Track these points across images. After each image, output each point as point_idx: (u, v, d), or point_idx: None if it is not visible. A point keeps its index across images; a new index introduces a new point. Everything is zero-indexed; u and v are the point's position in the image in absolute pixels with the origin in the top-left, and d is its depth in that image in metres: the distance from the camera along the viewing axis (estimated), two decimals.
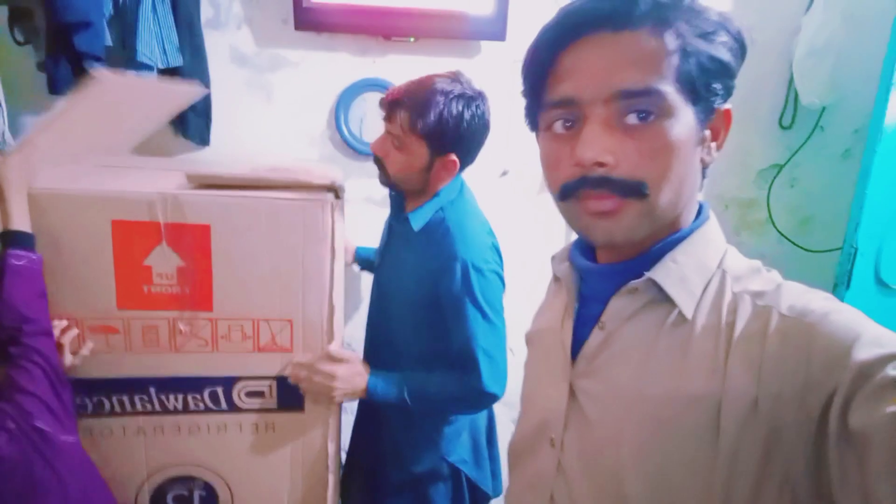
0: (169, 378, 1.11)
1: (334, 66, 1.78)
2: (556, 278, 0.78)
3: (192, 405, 1.13)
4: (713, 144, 0.60)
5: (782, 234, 2.08)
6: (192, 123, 1.65)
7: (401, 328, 1.27)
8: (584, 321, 0.67)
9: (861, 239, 1.74)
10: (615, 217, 0.58)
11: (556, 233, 1.98)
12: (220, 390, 1.13)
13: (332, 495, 1.21)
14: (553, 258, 0.77)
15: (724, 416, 0.54)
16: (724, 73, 0.57)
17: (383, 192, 1.88)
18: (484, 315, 1.16)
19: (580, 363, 0.66)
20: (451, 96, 1.14)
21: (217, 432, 1.15)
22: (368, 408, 1.38)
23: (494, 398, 1.19)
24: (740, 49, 0.58)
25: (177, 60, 1.53)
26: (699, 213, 0.64)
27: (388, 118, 1.19)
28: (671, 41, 0.55)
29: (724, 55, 0.56)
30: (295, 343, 1.12)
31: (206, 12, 1.64)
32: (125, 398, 1.11)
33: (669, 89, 0.55)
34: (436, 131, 1.14)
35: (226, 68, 1.72)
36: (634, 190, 0.56)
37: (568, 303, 0.71)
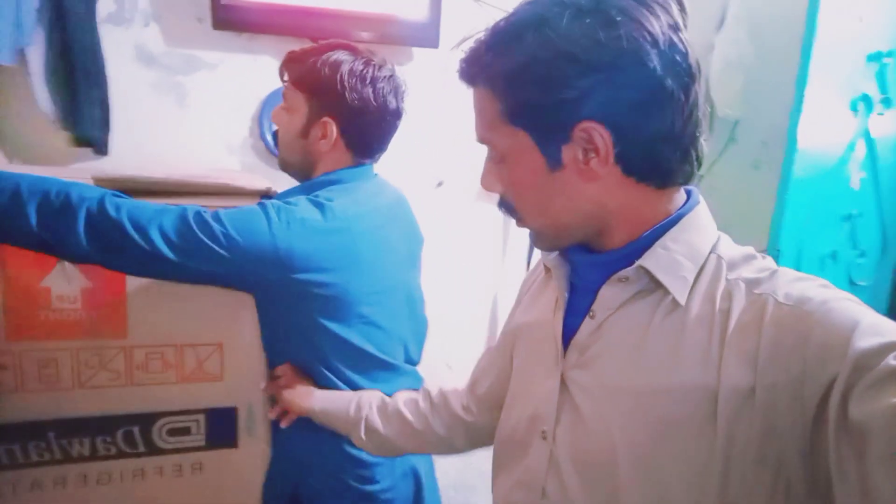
0: (72, 419, 0.94)
1: (257, 69, 1.64)
2: (546, 269, 0.75)
3: (101, 450, 0.96)
4: (594, 160, 0.57)
5: None
6: (89, 130, 1.46)
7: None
8: (576, 312, 0.66)
9: (783, 242, 1.82)
10: (531, 235, 0.66)
11: (493, 242, 1.93)
12: (136, 430, 0.97)
13: None
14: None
15: (720, 406, 0.53)
16: (539, 107, 0.57)
17: None
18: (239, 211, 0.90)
19: (571, 354, 0.65)
20: (340, 50, 1.03)
21: (132, 480, 0.98)
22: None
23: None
24: (548, 78, 0.56)
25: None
26: (688, 198, 0.63)
27: (281, 76, 1.08)
28: (492, 94, 0.59)
29: (526, 94, 0.57)
30: (226, 370, 0.98)
31: (106, 7, 1.47)
32: (16, 447, 0.92)
33: (500, 137, 0.61)
34: (314, 81, 1.01)
35: (129, 68, 1.54)
36: (513, 212, 0.65)
37: (558, 293, 0.69)
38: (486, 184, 0.65)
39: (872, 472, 0.43)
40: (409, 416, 0.91)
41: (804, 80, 1.79)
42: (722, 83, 2.01)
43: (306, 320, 0.97)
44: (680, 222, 0.60)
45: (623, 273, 0.60)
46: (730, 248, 0.61)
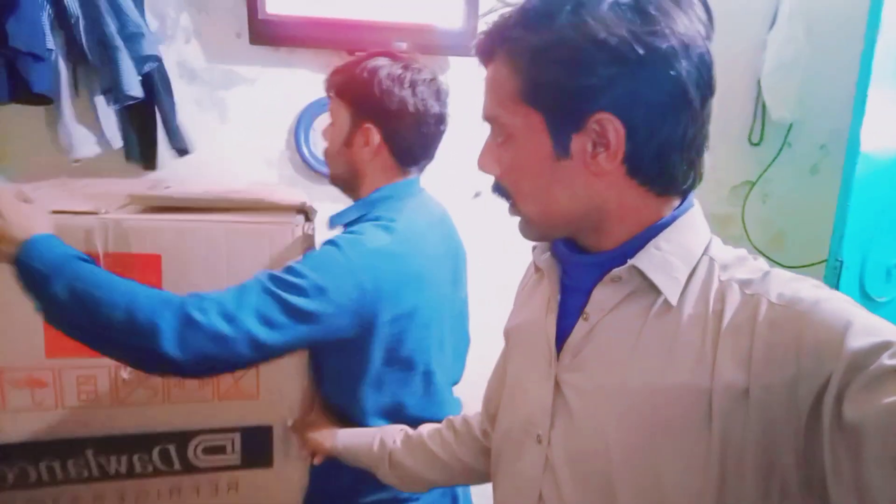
0: (109, 437, 0.93)
1: (294, 82, 1.64)
2: (536, 269, 0.73)
3: (138, 468, 0.95)
4: (603, 154, 0.56)
5: (758, 250, 2.04)
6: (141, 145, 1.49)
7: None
8: (568, 313, 0.65)
9: (846, 252, 1.71)
10: (517, 219, 0.64)
11: (529, 253, 1.88)
12: (172, 448, 0.95)
13: None
14: (534, 248, 0.72)
15: (714, 407, 0.52)
16: (563, 92, 0.55)
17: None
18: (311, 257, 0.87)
19: (565, 356, 0.64)
20: (374, 64, 1.00)
21: (169, 498, 0.97)
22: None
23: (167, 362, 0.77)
24: (582, 62, 0.54)
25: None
26: (682, 201, 0.61)
27: (327, 90, 1.06)
28: (512, 70, 0.57)
29: (560, 75, 0.55)
30: (262, 388, 0.96)
31: (150, 24, 1.49)
32: (56, 464, 0.92)
33: (511, 115, 0.58)
34: (354, 88, 1.00)
35: (174, 86, 1.56)
36: (504, 194, 0.63)
37: (550, 295, 0.67)
38: (484, 164, 0.63)
39: (867, 473, 0.43)
40: (433, 447, 0.89)
41: (867, 80, 1.68)
42: (775, 84, 1.91)
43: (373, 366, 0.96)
44: (673, 224, 0.59)
45: (615, 273, 0.59)
46: (721, 250, 0.60)
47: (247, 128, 1.65)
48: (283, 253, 0.91)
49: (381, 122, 1.00)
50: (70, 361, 0.89)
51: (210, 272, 0.90)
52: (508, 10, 0.58)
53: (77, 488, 0.94)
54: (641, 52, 0.52)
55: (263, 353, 0.82)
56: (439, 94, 1.04)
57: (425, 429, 0.92)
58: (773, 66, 1.90)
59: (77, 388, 0.90)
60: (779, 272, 0.56)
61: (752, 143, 2.04)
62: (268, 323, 0.80)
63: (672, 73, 0.53)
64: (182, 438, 0.95)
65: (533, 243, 0.71)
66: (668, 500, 0.55)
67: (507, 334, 0.78)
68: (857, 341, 0.47)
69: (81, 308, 0.76)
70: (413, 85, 1.00)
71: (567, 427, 0.63)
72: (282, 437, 0.99)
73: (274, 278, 0.83)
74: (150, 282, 0.88)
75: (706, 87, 0.55)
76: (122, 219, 0.86)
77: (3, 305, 0.85)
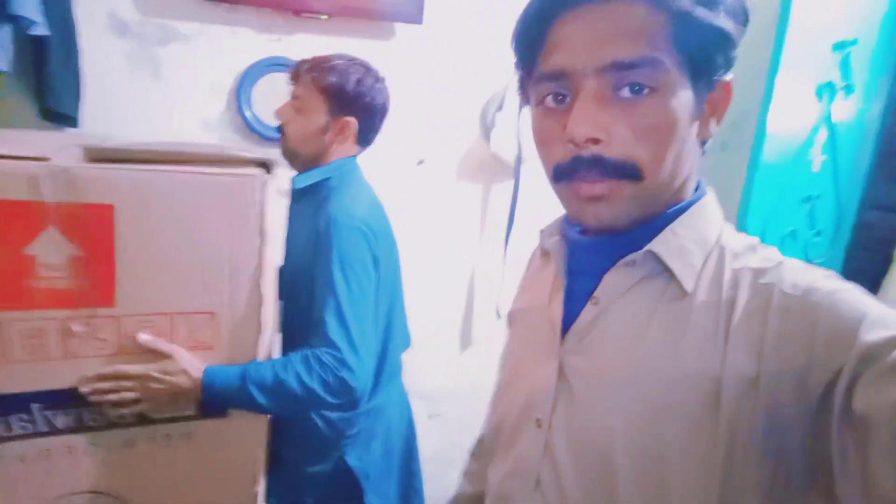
0: (58, 391, 0.89)
1: (235, 42, 1.59)
2: (543, 253, 0.72)
3: (87, 420, 0.92)
4: (713, 119, 0.56)
5: None
6: (61, 100, 1.39)
7: (305, 311, 1.14)
8: (575, 297, 0.63)
9: (749, 222, 1.85)
10: (607, 201, 0.55)
11: (472, 221, 1.91)
12: None
13: None
14: (542, 231, 0.72)
15: (723, 394, 0.51)
16: (726, 43, 0.53)
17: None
18: (344, 273, 1.07)
19: (570, 340, 0.62)
20: (354, 62, 1.21)
21: (121, 450, 0.94)
22: None
23: (349, 366, 1.03)
24: (744, 16, 0.55)
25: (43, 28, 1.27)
26: (697, 188, 0.61)
27: (295, 78, 1.22)
28: (669, 9, 0.51)
29: (727, 24, 0.52)
30: (218, 339, 0.95)
31: None
32: None
33: (665, 61, 0.52)
34: (337, 88, 1.18)
35: (101, 38, 1.47)
36: (628, 172, 0.54)
37: (557, 278, 0.66)
38: (596, 127, 0.53)
39: (874, 465, 0.43)
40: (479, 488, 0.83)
41: (776, 67, 1.82)
42: None
43: None
44: (690, 209, 0.59)
45: (631, 257, 0.58)
46: (733, 238, 0.60)
47: (183, 87, 1.57)
48: (244, 206, 0.90)
49: (359, 115, 1.20)
50: (15, 314, 0.84)
51: (167, 222, 0.87)
52: None
53: (20, 444, 0.89)
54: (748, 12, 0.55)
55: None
56: (387, 88, 1.26)
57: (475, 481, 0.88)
58: None
59: (23, 343, 0.86)
60: (792, 262, 0.55)
61: None
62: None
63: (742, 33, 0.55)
64: None
65: (541, 227, 0.71)
66: (670, 487, 0.54)
67: (510, 319, 0.77)
68: (871, 334, 0.46)
69: (277, 404, 1.00)
70: (377, 80, 1.23)
71: (569, 411, 0.61)
72: None
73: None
74: (101, 233, 0.85)
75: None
76: (72, 166, 0.82)
77: None
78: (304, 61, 1.22)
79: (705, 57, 0.53)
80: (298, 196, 1.23)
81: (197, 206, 0.88)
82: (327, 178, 1.19)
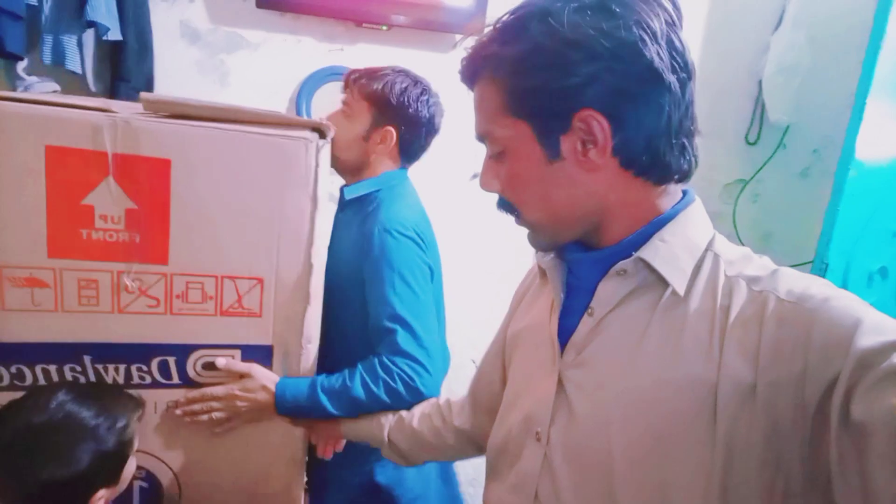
0: (109, 344, 0.85)
1: (298, 50, 1.58)
2: (541, 271, 0.71)
3: (136, 378, 0.87)
4: (592, 149, 0.55)
5: None
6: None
7: (344, 318, 1.05)
8: (573, 312, 0.62)
9: (831, 256, 1.66)
10: (527, 231, 0.63)
11: (522, 239, 1.82)
12: (172, 361, 0.88)
13: (299, 489, 0.97)
14: (537, 251, 0.69)
15: (720, 402, 0.50)
16: (541, 93, 0.54)
17: None
18: (403, 280, 0.99)
19: (569, 353, 0.61)
20: (402, 73, 1.15)
21: (165, 411, 0.90)
22: None
23: (423, 372, 0.95)
24: (552, 65, 0.53)
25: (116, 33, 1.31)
26: (683, 196, 0.60)
27: (346, 86, 1.17)
28: (495, 85, 0.57)
29: (529, 82, 0.55)
30: (265, 307, 0.89)
31: None
32: (52, 368, 0.84)
33: (500, 129, 0.58)
34: (380, 96, 1.12)
35: (175, 45, 1.49)
36: (509, 208, 0.62)
37: (555, 295, 0.65)
38: (485, 182, 0.62)
39: (873, 472, 0.42)
40: (425, 432, 0.90)
41: (867, 88, 1.63)
42: (775, 87, 1.86)
43: None
44: (676, 217, 0.58)
45: (621, 265, 0.57)
46: (726, 247, 0.58)
47: (247, 93, 1.57)
48: (297, 169, 0.84)
49: (400, 127, 1.13)
50: (72, 263, 0.82)
51: (220, 181, 0.83)
52: (484, 33, 0.58)
53: None
54: (609, 45, 0.51)
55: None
56: (441, 111, 1.20)
57: (416, 412, 0.93)
58: (775, 69, 1.85)
59: (78, 292, 0.83)
60: (787, 270, 0.54)
61: (748, 143, 1.99)
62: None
63: (644, 61, 0.51)
64: (182, 352, 0.88)
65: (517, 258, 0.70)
66: (670, 498, 0.52)
67: (512, 339, 0.75)
68: (867, 340, 0.45)
69: (348, 408, 0.94)
70: (426, 95, 1.16)
71: (567, 424, 0.60)
72: (282, 358, 0.92)
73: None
74: (157, 188, 0.82)
75: (682, 69, 0.54)
76: (133, 118, 0.79)
77: (4, 199, 0.78)
78: (355, 70, 1.18)
79: (536, 112, 0.56)
80: (344, 205, 1.17)
81: (251, 167, 0.83)
82: (377, 190, 1.13)
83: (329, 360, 1.00)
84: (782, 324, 0.49)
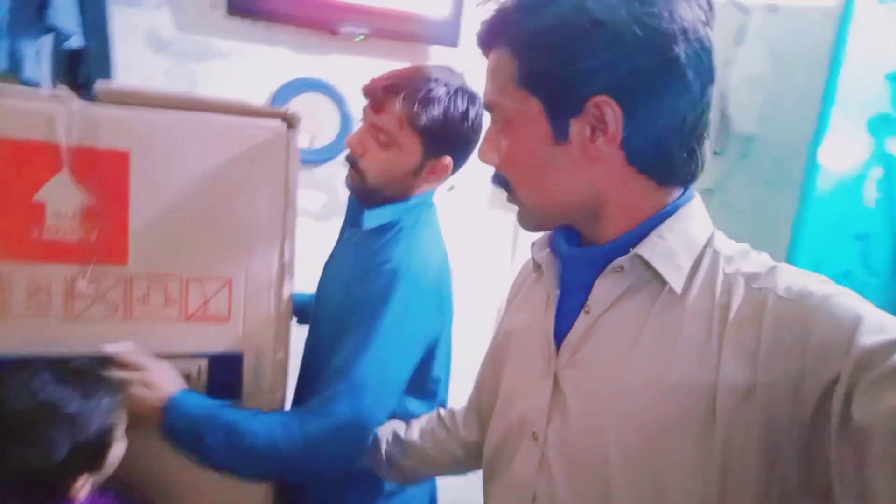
0: (61, 355, 0.76)
1: (271, 60, 1.51)
2: (536, 266, 0.67)
3: None
4: (601, 137, 0.52)
5: None
6: None
7: (332, 348, 0.89)
8: (568, 310, 0.60)
9: (799, 260, 1.68)
10: (516, 209, 0.60)
11: (504, 250, 1.77)
12: None
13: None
14: (533, 245, 0.67)
15: (718, 403, 0.48)
16: (558, 72, 0.51)
17: (321, 204, 1.60)
18: (394, 334, 0.83)
19: (564, 353, 0.59)
20: (454, 89, 0.90)
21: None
22: None
23: (353, 442, 0.80)
24: (574, 44, 0.51)
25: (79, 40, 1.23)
26: (683, 192, 0.57)
27: (379, 108, 0.89)
28: (511, 55, 0.54)
29: (547, 58, 0.52)
30: (234, 311, 0.81)
31: None
32: None
33: (509, 100, 0.55)
34: (438, 127, 0.89)
35: (141, 54, 1.41)
36: (503, 183, 0.59)
37: (549, 292, 0.62)
38: (483, 153, 0.60)
39: (872, 474, 0.41)
40: (429, 448, 0.84)
41: (831, 99, 1.67)
42: (740, 99, 1.88)
43: None
44: (675, 213, 0.55)
45: (618, 262, 0.55)
46: (725, 244, 0.56)
47: None
48: (267, 161, 0.78)
49: (456, 153, 0.95)
50: (20, 267, 0.73)
51: (184, 175, 0.76)
52: None
53: None
54: (640, 33, 0.48)
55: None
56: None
57: (415, 427, 0.86)
58: (739, 82, 1.88)
59: (27, 298, 0.74)
60: (785, 266, 0.53)
61: (714, 153, 2.00)
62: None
63: (671, 55, 0.49)
64: None
65: (532, 240, 0.67)
66: (667, 499, 0.51)
67: (505, 336, 0.72)
68: (867, 339, 0.43)
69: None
70: (478, 105, 0.94)
71: (564, 424, 0.58)
72: (252, 368, 0.84)
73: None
74: (116, 181, 0.74)
75: (706, 73, 0.51)
76: (89, 107, 0.72)
77: None
78: (388, 87, 0.89)
79: (549, 90, 0.53)
80: (357, 222, 0.96)
81: (217, 158, 0.77)
82: (399, 220, 0.93)
83: (309, 391, 0.89)
84: (781, 322, 0.48)
